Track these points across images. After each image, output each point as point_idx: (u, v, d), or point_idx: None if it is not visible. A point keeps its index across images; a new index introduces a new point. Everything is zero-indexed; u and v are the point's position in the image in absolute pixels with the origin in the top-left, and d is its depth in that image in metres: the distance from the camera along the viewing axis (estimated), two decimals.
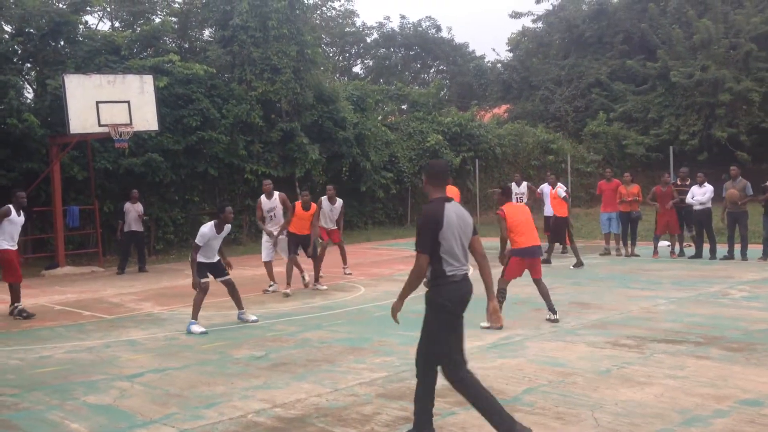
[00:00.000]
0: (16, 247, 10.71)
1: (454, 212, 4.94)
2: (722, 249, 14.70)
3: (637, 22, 33.45)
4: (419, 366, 5.00)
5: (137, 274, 15.40)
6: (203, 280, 9.25)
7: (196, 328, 9.10)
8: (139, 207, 15.85)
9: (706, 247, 14.82)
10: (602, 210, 16.06)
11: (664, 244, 15.73)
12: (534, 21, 38.75)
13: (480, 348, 7.74)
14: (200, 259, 9.25)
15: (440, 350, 4.94)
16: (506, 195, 9.61)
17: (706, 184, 14.71)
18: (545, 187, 16.53)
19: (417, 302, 10.75)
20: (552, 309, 9.24)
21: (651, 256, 15.35)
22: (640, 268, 13.80)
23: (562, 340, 8.00)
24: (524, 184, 17.60)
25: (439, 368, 4.95)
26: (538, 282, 9.41)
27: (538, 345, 7.81)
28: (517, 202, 17.05)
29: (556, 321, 9.09)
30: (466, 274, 5.10)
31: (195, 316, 9.22)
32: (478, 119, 29.95)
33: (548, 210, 16.31)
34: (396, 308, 5.17)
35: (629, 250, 15.67)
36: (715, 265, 13.98)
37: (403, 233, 23.53)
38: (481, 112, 33.10)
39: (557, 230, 15.44)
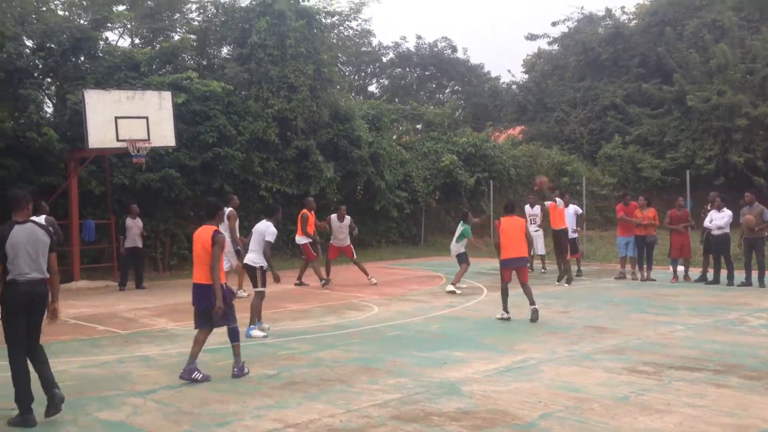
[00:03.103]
0: None
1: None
2: (740, 275, 14.56)
3: (654, 46, 33.44)
4: None
5: (151, 290, 15.40)
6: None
7: (258, 333, 9.57)
8: (139, 222, 15.86)
9: (724, 273, 14.68)
10: (620, 234, 15.96)
11: (682, 269, 15.58)
12: (550, 43, 38.87)
13: (494, 371, 7.67)
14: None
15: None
16: (506, 210, 11.43)
17: (724, 209, 14.60)
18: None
19: (435, 322, 10.78)
20: (532, 301, 10.83)
21: (669, 280, 15.22)
22: (656, 293, 13.67)
23: (578, 365, 7.91)
24: (537, 206, 17.54)
25: None
26: (524, 285, 11.02)
27: (554, 369, 7.73)
28: (531, 223, 17.13)
29: (535, 313, 10.67)
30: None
31: (254, 320, 9.72)
32: (493, 140, 29.94)
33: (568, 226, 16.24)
34: None
35: (645, 274, 15.54)
36: (732, 291, 13.83)
37: (417, 252, 23.49)
38: (495, 133, 33.11)
39: (559, 243, 15.44)
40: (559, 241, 15.50)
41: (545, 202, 16.16)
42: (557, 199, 15.91)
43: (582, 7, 38.51)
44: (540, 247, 17.41)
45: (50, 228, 6.65)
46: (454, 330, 10.28)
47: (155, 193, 18.30)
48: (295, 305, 12.75)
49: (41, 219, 11.70)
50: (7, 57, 16.73)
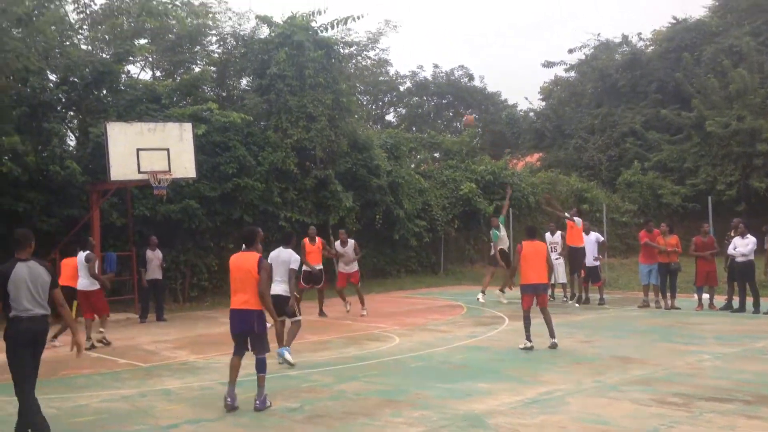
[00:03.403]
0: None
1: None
2: (766, 303, 14.32)
3: (671, 72, 33.35)
4: None
5: (172, 322, 15.41)
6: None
7: (289, 357, 9.82)
8: (159, 254, 15.92)
9: (749, 300, 14.44)
10: (642, 261, 15.76)
11: (707, 297, 15.34)
12: (566, 70, 38.92)
13: (520, 403, 7.55)
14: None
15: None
16: (528, 234, 11.34)
17: (748, 235, 14.41)
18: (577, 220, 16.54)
19: (458, 352, 10.66)
20: (552, 334, 10.78)
21: (694, 308, 14.98)
22: (682, 321, 13.47)
23: (605, 397, 7.77)
24: (558, 233, 17.43)
25: None
26: (543, 310, 10.97)
27: (581, 401, 7.60)
28: (552, 251, 17.06)
29: (554, 346, 10.63)
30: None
31: (289, 343, 10.00)
32: (512, 167, 29.90)
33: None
34: None
35: (669, 302, 15.32)
36: (759, 319, 13.59)
37: (437, 281, 23.37)
38: (513, 161, 33.05)
39: (574, 261, 15.39)
40: (574, 258, 15.43)
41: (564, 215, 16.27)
42: (575, 218, 15.90)
43: (598, 34, 38.53)
44: (561, 275, 17.26)
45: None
46: (478, 361, 10.17)
47: (175, 225, 18.39)
48: (315, 336, 12.68)
49: (81, 255, 12.51)
50: (32, 91, 16.99)
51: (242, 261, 7.78)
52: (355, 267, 15.92)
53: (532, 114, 41.00)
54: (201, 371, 9.87)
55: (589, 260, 16.40)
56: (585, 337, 11.84)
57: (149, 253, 15.75)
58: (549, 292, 17.21)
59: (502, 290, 17.26)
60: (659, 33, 37.53)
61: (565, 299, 17.18)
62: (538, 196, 28.02)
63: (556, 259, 16.79)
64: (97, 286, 12.44)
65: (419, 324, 14.11)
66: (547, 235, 17.52)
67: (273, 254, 10.20)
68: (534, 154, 37.43)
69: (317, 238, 15.25)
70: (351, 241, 16.01)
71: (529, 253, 10.95)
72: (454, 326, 13.65)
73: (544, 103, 40.63)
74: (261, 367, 7.72)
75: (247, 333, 7.72)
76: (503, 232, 17.48)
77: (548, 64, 39.02)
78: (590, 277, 16.57)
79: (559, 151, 35.68)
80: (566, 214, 15.98)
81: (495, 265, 16.43)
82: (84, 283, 12.38)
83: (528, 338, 10.79)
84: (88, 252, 12.52)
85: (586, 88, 37.27)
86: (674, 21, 35.94)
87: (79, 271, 12.45)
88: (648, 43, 37.81)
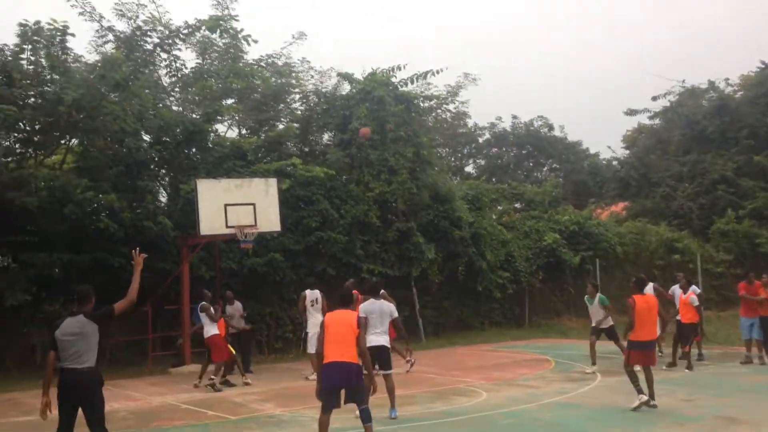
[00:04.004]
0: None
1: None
2: None
3: (762, 117, 32.16)
4: None
5: (257, 374, 15.49)
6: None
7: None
8: (238, 306, 16.00)
9: None
10: (743, 314, 14.94)
11: None
12: (651, 117, 38.05)
13: None
14: None
15: None
16: (638, 286, 10.75)
17: None
18: (676, 290, 15.72)
19: (548, 409, 10.24)
20: (652, 395, 10.03)
21: None
22: None
23: None
24: (650, 285, 16.70)
25: None
26: (648, 369, 10.28)
27: None
28: None
29: (654, 406, 9.88)
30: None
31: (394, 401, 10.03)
32: (596, 217, 29.19)
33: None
34: None
35: None
36: None
37: (522, 334, 22.78)
38: (598, 210, 32.29)
39: (684, 336, 14.59)
40: (685, 334, 14.68)
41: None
42: (693, 291, 15.11)
43: (683, 81, 37.52)
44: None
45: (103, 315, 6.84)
46: (571, 419, 9.75)
47: (261, 277, 18.70)
48: (399, 390, 12.40)
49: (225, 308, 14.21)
50: (127, 151, 17.79)
51: (341, 316, 7.89)
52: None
53: (615, 162, 40.13)
54: (287, 425, 9.83)
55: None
56: (686, 396, 11.20)
57: (229, 308, 15.89)
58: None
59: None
60: (747, 78, 36.35)
61: (660, 354, 16.29)
62: (626, 246, 27.20)
63: None
64: (214, 331, 13.48)
65: (506, 378, 13.71)
66: None
67: (366, 307, 10.21)
68: (619, 203, 36.48)
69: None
70: (382, 291, 15.11)
71: (642, 308, 10.28)
72: (543, 381, 13.20)
73: (627, 152, 39.74)
74: (367, 417, 7.72)
75: (346, 386, 7.69)
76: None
77: (631, 112, 38.30)
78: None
79: (646, 199, 34.63)
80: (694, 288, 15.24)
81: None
82: (205, 330, 13.63)
83: (640, 392, 10.03)
84: (202, 302, 13.64)
85: (672, 136, 36.26)
86: (763, 66, 34.80)
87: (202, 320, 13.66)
88: (736, 89, 36.64)
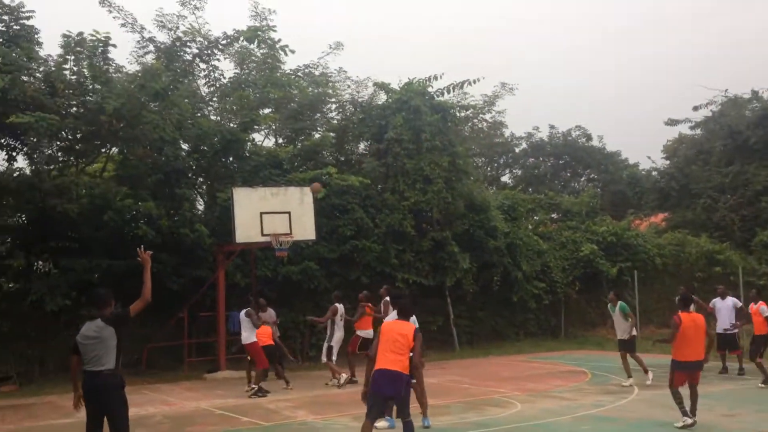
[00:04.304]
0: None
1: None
2: None
3: None
4: None
5: (292, 381, 15.45)
6: None
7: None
8: (271, 312, 15.87)
9: None
10: None
11: None
12: (692, 128, 37.35)
13: None
14: None
15: None
16: (684, 304, 10.18)
17: None
18: (717, 302, 15.46)
19: (584, 422, 10.08)
20: (694, 413, 9.62)
21: None
22: None
23: None
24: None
25: None
26: (693, 386, 9.87)
27: None
28: None
29: (692, 424, 9.47)
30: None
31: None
32: (635, 228, 28.75)
33: (720, 326, 15.29)
34: None
35: None
36: None
37: (557, 346, 22.51)
38: (636, 221, 31.78)
39: (757, 347, 14.36)
40: (759, 345, 14.46)
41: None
42: (763, 304, 14.90)
43: (726, 90, 36.79)
44: None
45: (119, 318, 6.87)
46: None
47: (295, 285, 18.80)
48: (432, 400, 12.34)
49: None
50: (166, 159, 18.08)
51: (399, 326, 7.86)
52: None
53: (655, 173, 39.48)
54: None
55: (727, 327, 15.35)
56: (727, 411, 10.94)
57: (263, 315, 15.92)
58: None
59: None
60: None
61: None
62: (665, 258, 26.74)
63: None
64: (253, 338, 13.69)
65: (541, 390, 13.54)
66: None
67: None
68: (658, 215, 35.87)
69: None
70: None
71: (688, 327, 9.75)
72: (579, 393, 13.00)
73: (668, 162, 39.08)
74: (410, 429, 7.63)
75: (395, 396, 7.63)
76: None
77: (672, 122, 37.64)
78: (728, 345, 15.44)
79: (686, 211, 33.99)
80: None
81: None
82: (243, 336, 13.85)
83: (685, 413, 9.64)
84: (247, 308, 13.96)
85: (714, 146, 35.55)
86: None
87: (242, 326, 13.93)
88: None
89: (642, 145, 71.49)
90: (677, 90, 73.48)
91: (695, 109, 36.94)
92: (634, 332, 14.32)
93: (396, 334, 7.73)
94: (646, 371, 13.89)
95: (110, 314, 6.80)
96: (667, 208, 35.93)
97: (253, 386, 13.34)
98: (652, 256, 26.08)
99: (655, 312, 26.64)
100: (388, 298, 14.27)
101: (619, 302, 14.32)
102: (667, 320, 25.55)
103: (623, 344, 14.26)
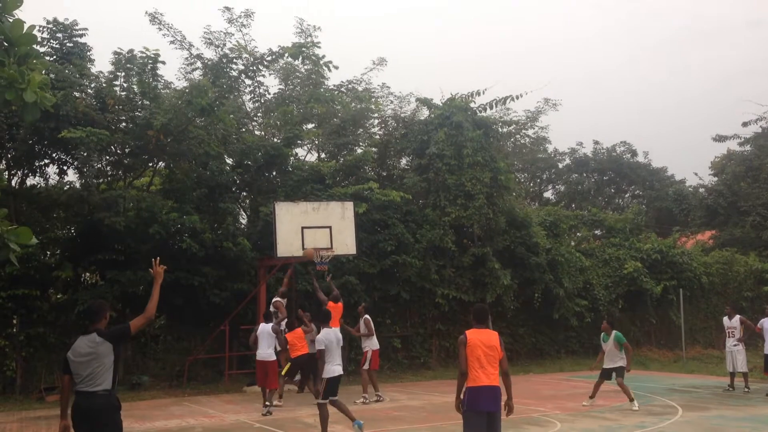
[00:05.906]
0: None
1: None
2: None
3: None
4: None
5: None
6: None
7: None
8: (312, 327, 16.04)
9: None
10: None
11: None
12: (741, 144, 36.61)
13: None
14: None
15: None
16: None
17: None
18: (765, 322, 15.10)
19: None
20: None
21: None
22: None
23: None
24: (737, 317, 16.16)
25: None
26: None
27: None
28: (729, 336, 15.84)
29: None
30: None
31: None
32: (680, 246, 28.21)
33: None
34: None
35: None
36: None
37: (599, 364, 22.11)
38: (682, 239, 31.19)
39: None
40: None
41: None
42: None
43: None
44: (741, 363, 15.79)
45: (116, 334, 6.13)
46: None
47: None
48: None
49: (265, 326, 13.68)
50: (210, 174, 18.43)
51: (486, 337, 7.38)
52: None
53: (702, 190, 38.73)
54: None
55: (766, 347, 15.01)
56: None
57: (305, 328, 16.02)
58: (728, 381, 15.86)
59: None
60: None
61: (746, 390, 15.64)
62: (712, 276, 26.17)
63: (735, 345, 15.64)
64: (274, 357, 13.52)
65: (582, 409, 13.35)
66: (725, 319, 16.33)
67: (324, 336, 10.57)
68: (705, 232, 35.14)
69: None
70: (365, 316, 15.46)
71: None
72: (621, 414, 12.79)
73: (715, 179, 38.31)
74: None
75: (494, 411, 7.24)
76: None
77: (720, 138, 36.95)
78: None
79: (735, 228, 33.27)
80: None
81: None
82: (266, 353, 13.42)
83: None
84: (273, 324, 13.73)
85: (764, 163, 34.77)
86: None
87: (260, 341, 13.48)
88: None
89: (689, 161, 70.15)
90: (726, 105, 72.13)
91: (744, 125, 36.25)
92: (623, 362, 13.73)
93: (487, 347, 7.29)
94: (631, 399, 13.48)
95: (107, 328, 6.15)
96: (714, 226, 35.21)
97: (267, 403, 13.10)
98: (699, 275, 25.57)
99: (701, 332, 26.11)
100: (367, 316, 15.20)
101: (614, 332, 13.87)
102: (713, 341, 25.04)
103: (606, 373, 13.83)
